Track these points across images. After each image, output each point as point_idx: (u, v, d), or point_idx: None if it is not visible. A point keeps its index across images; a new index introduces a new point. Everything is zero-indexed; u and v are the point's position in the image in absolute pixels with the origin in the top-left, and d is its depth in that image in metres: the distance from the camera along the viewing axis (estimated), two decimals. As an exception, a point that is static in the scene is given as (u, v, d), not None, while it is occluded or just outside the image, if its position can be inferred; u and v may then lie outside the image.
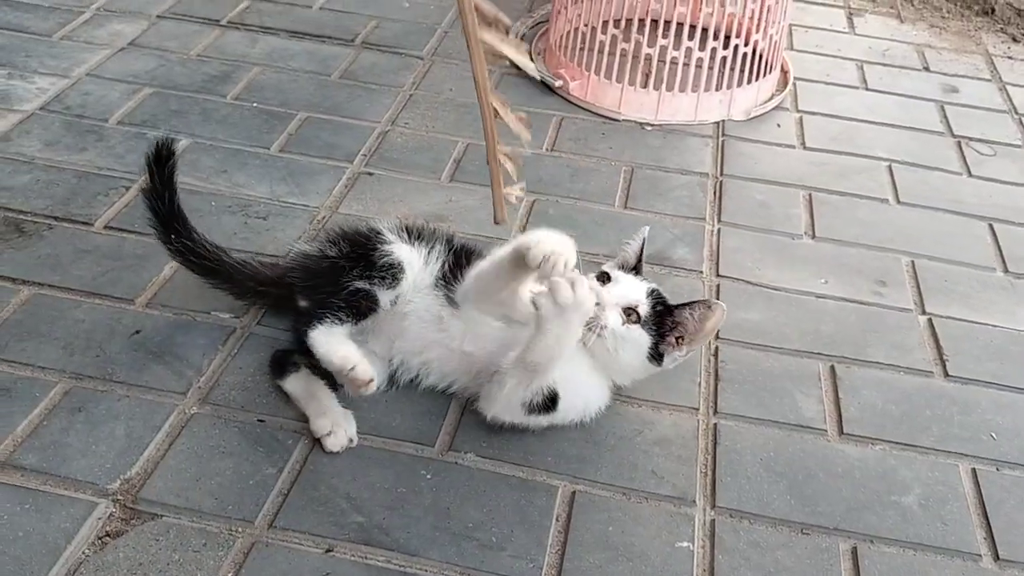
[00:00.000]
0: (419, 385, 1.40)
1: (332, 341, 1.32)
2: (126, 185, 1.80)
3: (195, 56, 2.26)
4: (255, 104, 2.10)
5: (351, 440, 1.32)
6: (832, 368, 1.54)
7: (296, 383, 1.38)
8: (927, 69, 2.54)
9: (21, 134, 1.93)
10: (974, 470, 1.38)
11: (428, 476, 1.29)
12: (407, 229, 1.46)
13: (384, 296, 1.38)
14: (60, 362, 1.40)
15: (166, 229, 1.46)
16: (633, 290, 1.36)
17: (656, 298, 1.37)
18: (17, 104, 2.02)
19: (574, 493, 1.29)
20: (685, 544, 1.23)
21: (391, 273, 1.38)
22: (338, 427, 1.31)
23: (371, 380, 1.29)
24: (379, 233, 1.43)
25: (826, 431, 1.42)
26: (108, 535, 1.17)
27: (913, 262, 1.80)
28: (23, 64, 2.16)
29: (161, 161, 1.44)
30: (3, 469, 1.24)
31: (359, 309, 1.36)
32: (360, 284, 1.37)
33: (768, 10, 2.20)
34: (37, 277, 1.56)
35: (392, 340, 1.40)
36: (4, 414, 1.31)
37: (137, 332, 1.47)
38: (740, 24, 2.23)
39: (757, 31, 2.20)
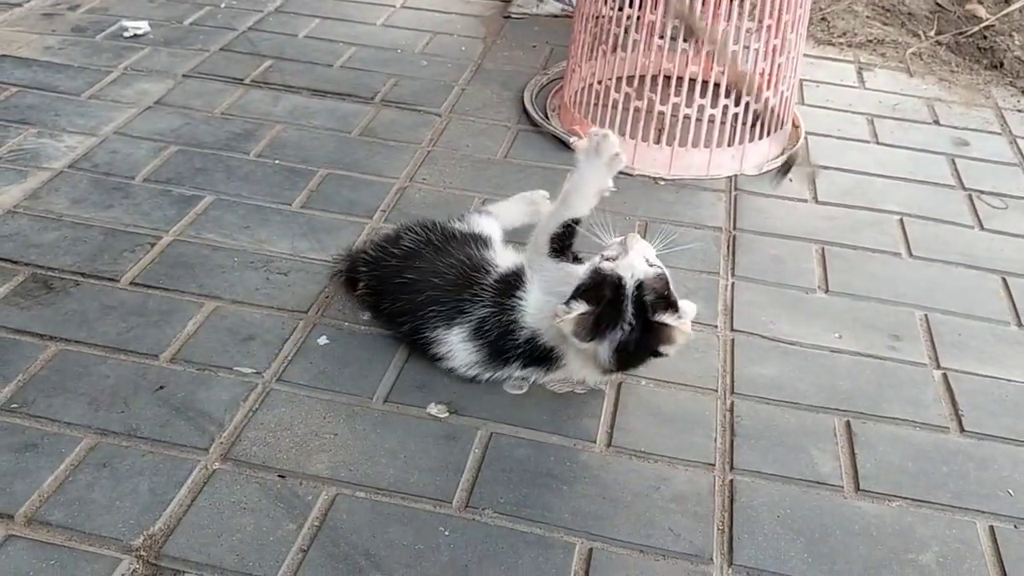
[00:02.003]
0: None
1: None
2: (151, 242, 1.84)
3: (219, 114, 2.32)
4: (277, 161, 2.15)
5: None
6: (848, 424, 1.54)
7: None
8: (937, 123, 2.57)
9: (50, 192, 1.98)
10: (992, 527, 1.38)
11: (446, 533, 1.30)
12: None
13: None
14: (86, 418, 1.43)
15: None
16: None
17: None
18: (46, 162, 2.08)
19: (591, 551, 1.29)
20: (703, 603, 1.23)
21: None
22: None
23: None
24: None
25: (842, 487, 1.43)
26: (131, 592, 1.19)
27: (927, 316, 1.82)
28: (52, 123, 2.23)
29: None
30: (30, 524, 1.26)
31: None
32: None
33: (779, 67, 2.24)
34: (64, 333, 1.59)
35: None
36: (32, 469, 1.34)
37: (161, 387, 1.50)
38: (751, 83, 2.27)
39: (768, 88, 2.24)
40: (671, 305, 1.48)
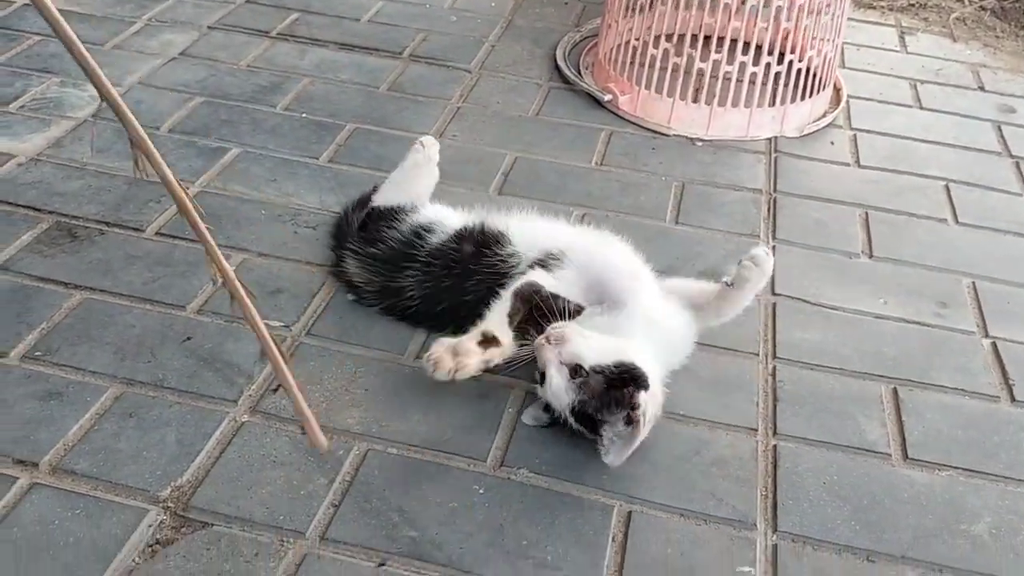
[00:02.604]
0: None
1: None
2: (177, 192, 1.79)
3: (245, 67, 2.26)
4: (304, 115, 2.09)
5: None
6: (895, 391, 1.49)
7: None
8: (982, 89, 2.49)
9: (73, 140, 1.94)
10: (1046, 500, 1.33)
11: (481, 491, 1.26)
12: None
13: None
14: (111, 367, 1.39)
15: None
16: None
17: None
18: (70, 111, 2.03)
19: (630, 513, 1.25)
20: (747, 569, 1.19)
21: None
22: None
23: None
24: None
25: (890, 455, 1.37)
26: (159, 543, 1.15)
27: (974, 283, 1.75)
28: (76, 72, 2.18)
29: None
30: (55, 473, 1.23)
31: None
32: None
33: (823, 26, 2.16)
34: (88, 282, 1.55)
35: None
36: (56, 418, 1.30)
37: (188, 339, 1.46)
38: (794, 40, 2.20)
39: (811, 47, 2.16)
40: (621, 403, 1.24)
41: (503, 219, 1.54)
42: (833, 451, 1.37)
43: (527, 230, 1.51)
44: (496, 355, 1.34)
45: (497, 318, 1.36)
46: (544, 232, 1.51)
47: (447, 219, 1.57)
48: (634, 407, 1.22)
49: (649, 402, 1.24)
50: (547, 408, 1.31)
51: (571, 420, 1.27)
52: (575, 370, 1.25)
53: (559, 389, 1.26)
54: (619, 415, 1.23)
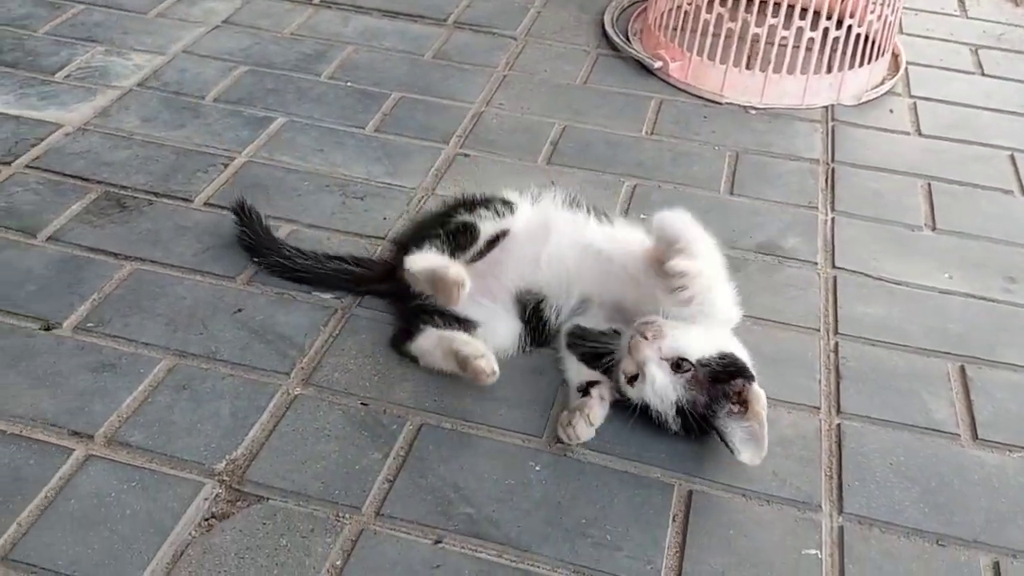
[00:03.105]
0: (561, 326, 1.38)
1: (429, 256, 1.33)
2: (224, 163, 1.78)
3: (289, 35, 2.23)
4: (349, 83, 2.06)
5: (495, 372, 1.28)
6: (962, 368, 1.44)
7: (427, 339, 1.34)
8: (1047, 54, 2.39)
9: (120, 110, 1.92)
10: (1124, 483, 1.27)
11: (537, 468, 1.23)
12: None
13: (486, 226, 1.37)
14: (163, 338, 1.38)
15: (256, 254, 1.51)
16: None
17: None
18: (115, 80, 2.02)
19: (691, 493, 1.22)
20: (813, 552, 1.16)
21: (500, 205, 1.39)
22: (488, 353, 1.27)
23: (463, 283, 1.26)
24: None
25: (959, 435, 1.33)
26: (215, 517, 1.14)
27: (1043, 258, 1.69)
28: (120, 41, 2.17)
29: (242, 212, 1.54)
30: (110, 445, 1.22)
31: (457, 239, 1.35)
32: (464, 217, 1.38)
33: (884, -11, 2.08)
34: (139, 252, 1.55)
35: (528, 269, 1.38)
36: (110, 390, 1.30)
37: (239, 310, 1.44)
38: (853, 4, 2.12)
39: (871, 11, 2.08)
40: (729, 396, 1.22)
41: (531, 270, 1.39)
42: (899, 431, 1.33)
43: (557, 276, 1.39)
44: (605, 391, 1.29)
45: (575, 369, 1.33)
46: (572, 273, 1.38)
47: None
48: (745, 401, 1.19)
49: (761, 393, 1.20)
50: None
51: (671, 420, 1.23)
52: (677, 365, 1.20)
53: (664, 387, 1.20)
54: (731, 409, 1.20)
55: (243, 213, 1.54)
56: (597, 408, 1.24)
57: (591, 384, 1.30)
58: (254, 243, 1.52)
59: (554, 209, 1.43)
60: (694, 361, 1.20)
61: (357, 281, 1.48)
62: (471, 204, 1.42)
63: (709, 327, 1.25)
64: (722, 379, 1.21)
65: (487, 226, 1.37)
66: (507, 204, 1.42)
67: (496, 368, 1.28)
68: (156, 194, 1.69)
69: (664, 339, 1.21)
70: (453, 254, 1.35)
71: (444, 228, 1.37)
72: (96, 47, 2.13)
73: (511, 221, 1.40)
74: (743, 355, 1.26)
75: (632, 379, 1.23)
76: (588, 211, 1.44)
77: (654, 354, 1.21)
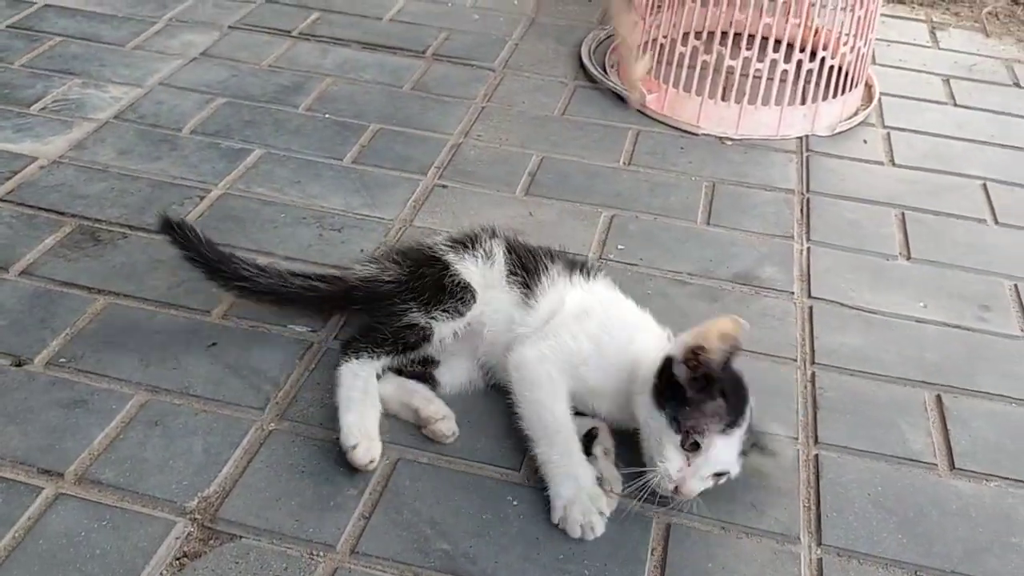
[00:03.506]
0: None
1: (352, 397, 1.27)
2: (200, 195, 1.77)
3: (267, 67, 2.24)
4: (327, 115, 2.07)
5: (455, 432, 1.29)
6: (939, 397, 1.44)
7: (385, 385, 1.32)
8: (1017, 85, 2.43)
9: (96, 142, 1.92)
10: (1101, 512, 1.28)
11: (515, 502, 1.22)
12: (459, 241, 1.42)
13: (443, 328, 1.32)
14: (136, 374, 1.37)
15: (214, 276, 1.43)
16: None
17: None
18: (92, 112, 2.01)
19: (669, 525, 1.21)
20: (792, 584, 1.15)
21: (461, 298, 1.32)
22: (448, 414, 1.28)
23: (370, 462, 1.22)
24: (438, 252, 1.39)
25: (936, 465, 1.33)
26: (186, 556, 1.12)
27: (1016, 286, 1.70)
28: (97, 73, 2.16)
29: (174, 230, 1.41)
30: (81, 483, 1.20)
31: (407, 343, 1.32)
32: (417, 317, 1.32)
33: (856, 22, 2.11)
34: (112, 287, 1.53)
35: (475, 347, 1.36)
36: (82, 426, 1.28)
37: (214, 344, 1.43)
38: (826, 37, 2.15)
39: (845, 43, 2.11)
40: None
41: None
42: (877, 461, 1.33)
43: None
44: (607, 441, 1.28)
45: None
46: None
47: None
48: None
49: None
50: None
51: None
52: (718, 475, 1.21)
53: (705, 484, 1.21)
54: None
55: (175, 231, 1.40)
56: (605, 497, 1.20)
57: (590, 437, 1.27)
58: (203, 261, 1.40)
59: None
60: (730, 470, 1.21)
61: (325, 299, 1.43)
62: (425, 294, 1.33)
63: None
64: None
65: (443, 328, 1.32)
66: (465, 298, 1.33)
67: (456, 429, 1.29)
68: (131, 227, 1.67)
69: (691, 490, 1.19)
70: (404, 353, 1.32)
71: (393, 328, 1.32)
72: (73, 79, 2.13)
73: (471, 313, 1.34)
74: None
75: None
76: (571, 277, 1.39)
77: (700, 484, 1.19)
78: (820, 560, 1.19)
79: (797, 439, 1.35)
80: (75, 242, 1.63)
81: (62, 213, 1.70)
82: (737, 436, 1.19)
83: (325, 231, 1.71)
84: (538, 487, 1.24)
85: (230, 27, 2.40)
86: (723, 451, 1.18)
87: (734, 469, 1.21)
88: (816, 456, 1.33)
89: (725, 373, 1.19)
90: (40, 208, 1.71)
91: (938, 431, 1.38)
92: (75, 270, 1.56)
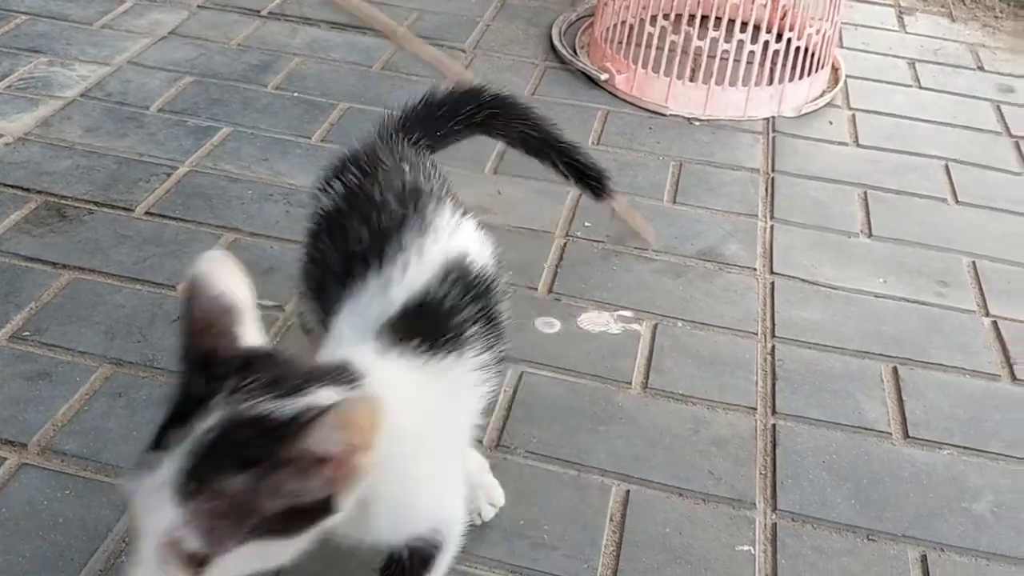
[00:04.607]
0: None
1: None
2: (167, 172, 1.77)
3: (235, 46, 2.23)
4: (296, 94, 2.07)
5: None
6: (895, 370, 1.47)
7: None
8: (981, 68, 2.47)
9: (62, 120, 1.91)
10: (1048, 478, 1.31)
11: (477, 471, 1.24)
12: None
13: None
14: (100, 347, 1.37)
15: None
16: None
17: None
18: (58, 91, 2.00)
19: (628, 492, 1.24)
20: (746, 548, 1.18)
21: None
22: None
23: None
24: None
25: (891, 434, 1.36)
26: (149, 524, 1.13)
27: (974, 263, 1.74)
28: (64, 51, 2.15)
29: None
30: (43, 454, 1.21)
31: None
32: None
33: (821, 4, 2.14)
34: (78, 262, 1.53)
35: None
36: (45, 398, 1.28)
37: (178, 318, 1.43)
38: (793, 19, 2.18)
39: (810, 25, 2.14)
40: None
41: None
42: (833, 430, 1.36)
43: None
44: None
45: None
46: None
47: None
48: None
49: None
50: None
51: None
52: None
53: None
54: None
55: None
56: None
57: None
58: None
59: None
60: None
61: None
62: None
63: None
64: None
65: None
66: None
67: None
68: (97, 203, 1.67)
69: None
70: None
71: None
72: (39, 58, 2.11)
73: None
74: None
75: None
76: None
77: None
78: (775, 525, 1.21)
79: (755, 410, 1.38)
80: (40, 218, 1.63)
81: (28, 189, 1.69)
82: None
83: (292, 208, 1.71)
84: (500, 457, 1.26)
85: (199, 7, 2.39)
86: None
87: None
88: (773, 426, 1.36)
89: None
90: (5, 184, 1.70)
91: (893, 401, 1.42)
92: (40, 245, 1.56)
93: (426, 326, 0.91)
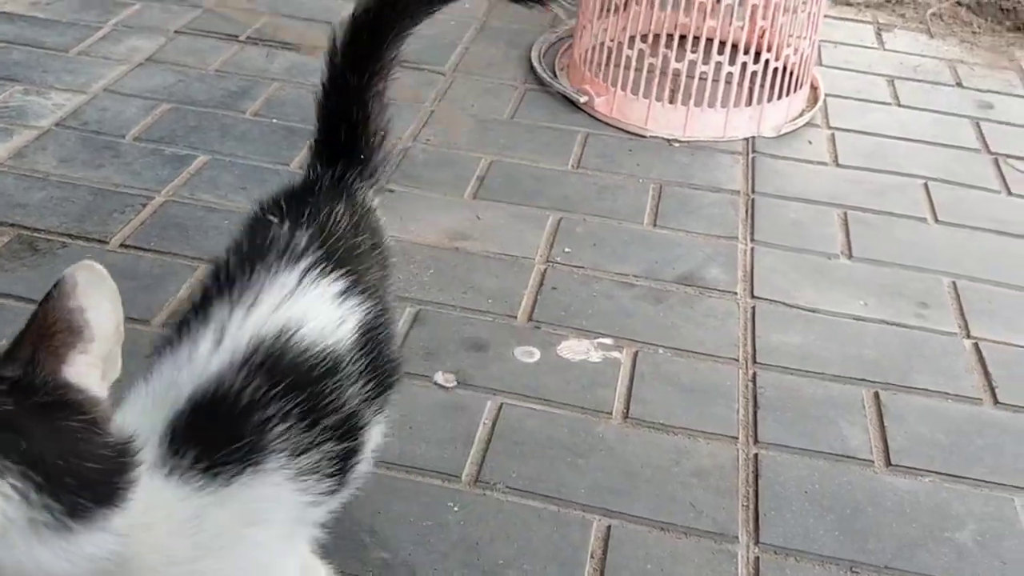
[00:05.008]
0: None
1: None
2: (142, 202, 1.75)
3: (213, 72, 2.22)
4: (275, 120, 2.05)
5: None
6: (876, 395, 1.47)
7: None
8: (960, 85, 2.47)
9: (36, 150, 1.89)
10: (1031, 504, 1.31)
11: (456, 509, 1.22)
12: None
13: None
14: (73, 386, 1.35)
15: None
16: None
17: None
18: (33, 120, 1.98)
19: (609, 527, 1.22)
20: (728, 583, 1.16)
21: None
22: None
23: None
24: None
25: (873, 462, 1.35)
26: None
27: (955, 283, 1.74)
28: (40, 80, 2.13)
29: None
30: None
31: None
32: None
33: (800, 24, 2.14)
34: (50, 297, 1.51)
35: None
36: (14, 441, 1.26)
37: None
38: (771, 38, 2.18)
39: (788, 45, 2.14)
40: None
41: None
42: (815, 459, 1.35)
43: None
44: None
45: None
46: None
47: None
48: None
49: None
50: None
51: None
52: None
53: None
54: None
55: None
56: None
57: None
58: None
59: None
60: None
61: None
62: None
63: None
64: None
65: None
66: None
67: None
68: (71, 236, 1.65)
69: None
70: None
71: None
72: (15, 86, 2.09)
73: None
74: None
75: None
76: None
77: None
78: (757, 559, 1.20)
79: (737, 439, 1.37)
80: (13, 252, 1.61)
81: (0, 223, 1.67)
82: None
83: (269, 238, 1.69)
84: (479, 493, 1.25)
85: (176, 32, 2.37)
86: None
87: None
88: (755, 455, 1.35)
89: None
90: (-23, 218, 1.68)
91: (875, 428, 1.41)
92: (12, 280, 1.54)
93: (209, 431, 0.73)
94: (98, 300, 0.72)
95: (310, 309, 0.82)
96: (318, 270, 0.85)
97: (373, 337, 0.85)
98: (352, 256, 0.90)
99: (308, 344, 0.79)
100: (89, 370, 0.70)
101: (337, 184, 1.02)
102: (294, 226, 0.91)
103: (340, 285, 0.85)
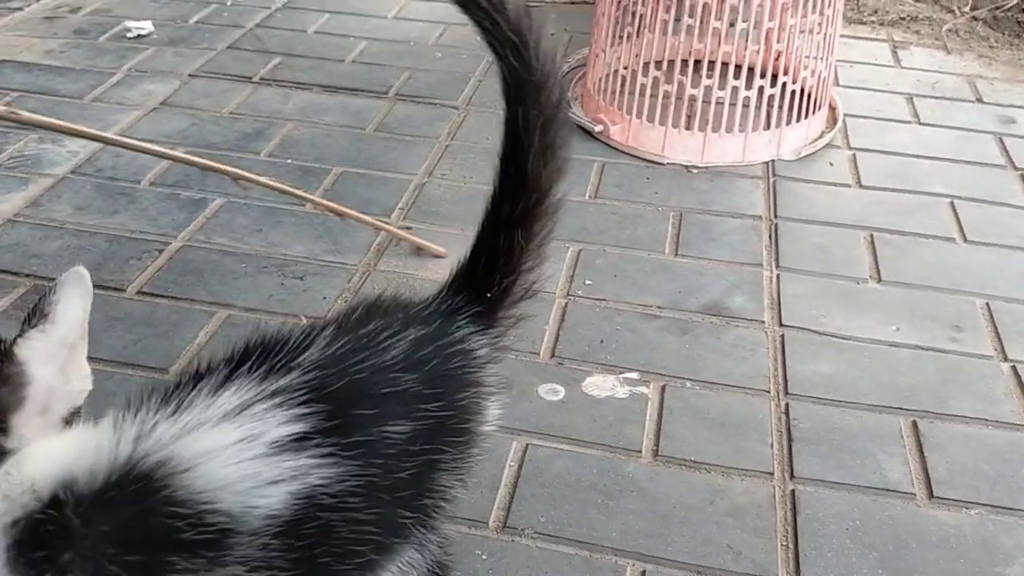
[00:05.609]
0: None
1: None
2: (159, 249, 1.74)
3: (228, 114, 2.22)
4: (289, 160, 2.04)
5: None
6: (914, 424, 1.42)
7: None
8: (980, 100, 2.44)
9: (52, 199, 1.88)
10: (1083, 535, 1.25)
11: (484, 557, 1.19)
12: None
13: None
14: (91, 439, 1.33)
15: None
16: None
17: None
18: (48, 168, 1.98)
19: (644, 573, 1.18)
20: (771, 629, 1.12)
21: None
22: None
23: None
24: None
25: (915, 495, 1.30)
26: None
27: (988, 304, 1.69)
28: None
29: None
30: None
31: None
32: None
33: (816, 45, 2.12)
34: (68, 348, 1.49)
35: None
36: (32, 498, 1.23)
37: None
38: (787, 61, 2.15)
39: (804, 67, 2.11)
40: None
41: None
42: (854, 493, 1.30)
43: None
44: None
45: None
46: None
47: None
48: None
49: None
50: None
51: None
52: None
53: None
54: None
55: None
56: None
57: None
58: None
59: None
60: None
61: None
62: None
63: None
64: None
65: None
66: None
67: None
68: (87, 285, 1.64)
69: None
70: None
71: None
72: (30, 135, 2.10)
73: None
74: None
75: None
76: None
77: None
78: (799, 601, 1.15)
79: (772, 475, 1.33)
80: (29, 303, 1.59)
81: (16, 273, 1.66)
82: None
83: (287, 279, 1.68)
84: (507, 540, 1.21)
85: (190, 75, 2.38)
86: None
87: None
88: (793, 491, 1.30)
89: None
90: (-6, 269, 1.67)
91: (915, 459, 1.36)
92: (29, 332, 1.52)
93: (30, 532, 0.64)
94: (69, 292, 0.79)
95: (229, 449, 0.61)
96: (284, 398, 0.64)
97: (324, 528, 0.58)
98: (367, 398, 0.67)
99: (185, 497, 0.59)
100: (46, 351, 0.77)
101: (439, 312, 0.81)
102: (321, 333, 0.73)
103: (300, 427, 0.63)
